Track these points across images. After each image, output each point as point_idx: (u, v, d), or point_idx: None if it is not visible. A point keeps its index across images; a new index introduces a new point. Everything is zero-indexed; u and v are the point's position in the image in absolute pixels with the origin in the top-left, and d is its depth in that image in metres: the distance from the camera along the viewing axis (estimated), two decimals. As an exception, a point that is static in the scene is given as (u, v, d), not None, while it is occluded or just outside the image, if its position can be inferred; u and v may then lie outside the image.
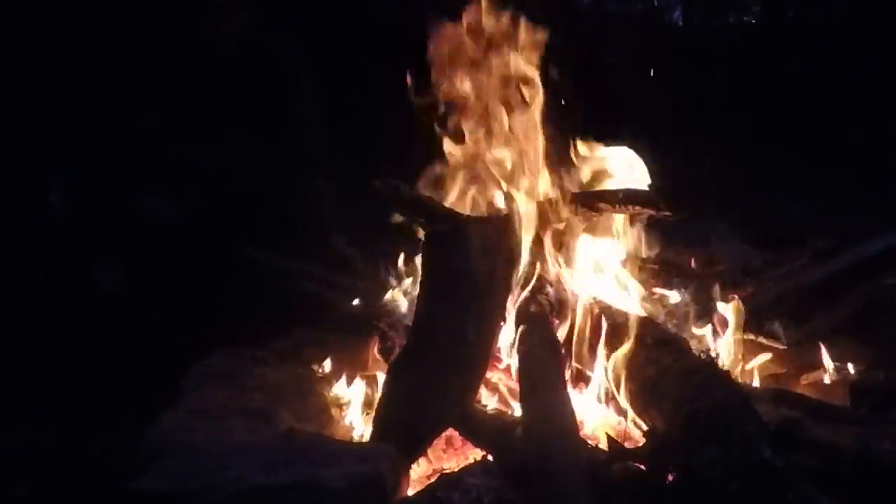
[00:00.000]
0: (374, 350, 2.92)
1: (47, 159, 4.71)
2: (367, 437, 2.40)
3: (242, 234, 3.78)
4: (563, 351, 2.55)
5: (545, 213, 2.85)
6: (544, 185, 2.92)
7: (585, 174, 3.03)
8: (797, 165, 6.16)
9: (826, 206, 5.06)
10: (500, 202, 2.91)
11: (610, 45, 7.56)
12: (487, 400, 2.61)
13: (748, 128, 7.16)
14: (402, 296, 3.05)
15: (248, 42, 4.09)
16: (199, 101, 4.01)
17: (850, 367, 2.90)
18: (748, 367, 2.89)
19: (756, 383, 2.81)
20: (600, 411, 2.54)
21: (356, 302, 3.19)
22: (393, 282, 3.14)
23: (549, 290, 2.72)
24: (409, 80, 2.86)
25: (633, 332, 2.44)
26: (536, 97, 2.93)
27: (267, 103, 4.03)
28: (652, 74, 7.52)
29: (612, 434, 2.33)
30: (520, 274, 2.68)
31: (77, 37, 5.13)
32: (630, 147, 3.07)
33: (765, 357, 2.95)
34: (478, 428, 2.37)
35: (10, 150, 4.78)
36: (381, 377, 2.64)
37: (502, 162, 2.92)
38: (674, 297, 2.96)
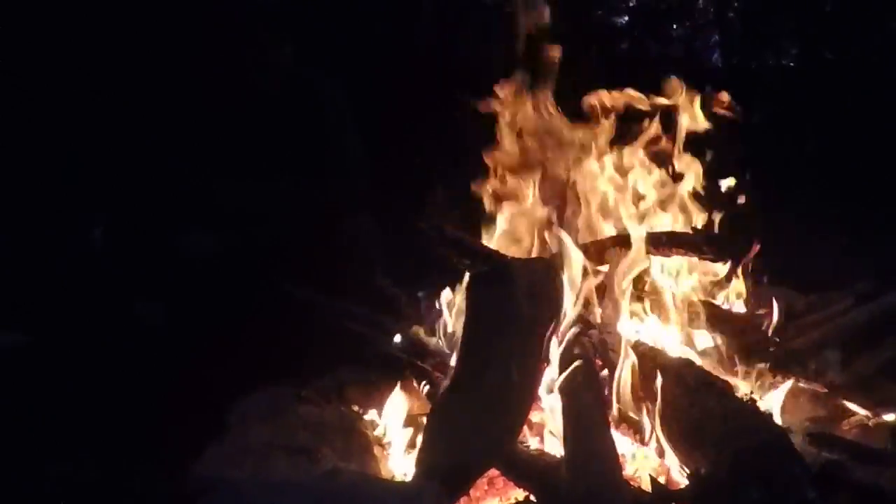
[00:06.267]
0: (418, 390, 2.94)
1: (88, 196, 4.76)
2: (410, 477, 2.40)
3: (285, 271, 3.80)
4: (605, 392, 2.56)
5: (590, 255, 2.87)
6: (592, 226, 2.95)
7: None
8: (839, 207, 6.13)
9: (868, 248, 5.03)
10: (546, 244, 2.94)
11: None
12: (530, 440, 2.61)
13: (788, 170, 7.13)
14: (445, 336, 3.06)
15: (290, 77, 4.12)
16: (241, 137, 4.04)
17: (893, 411, 2.88)
18: (791, 409, 2.88)
19: (799, 426, 2.80)
20: (643, 452, 2.54)
21: (400, 341, 3.20)
22: (437, 322, 3.15)
23: (593, 331, 2.73)
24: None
25: (676, 373, 2.44)
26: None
27: (309, 139, 4.05)
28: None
29: (655, 475, 2.34)
30: (563, 315, 2.68)
31: (120, 76, 5.19)
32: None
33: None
34: (520, 468, 2.37)
35: (51, 187, 4.84)
36: (425, 417, 2.65)
37: (551, 203, 2.95)
38: (716, 339, 2.96)
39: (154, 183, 4.08)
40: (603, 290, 2.90)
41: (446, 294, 3.17)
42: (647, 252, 2.91)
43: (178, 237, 3.93)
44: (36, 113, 5.07)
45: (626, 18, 9.07)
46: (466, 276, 2.80)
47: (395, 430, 2.80)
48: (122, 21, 5.33)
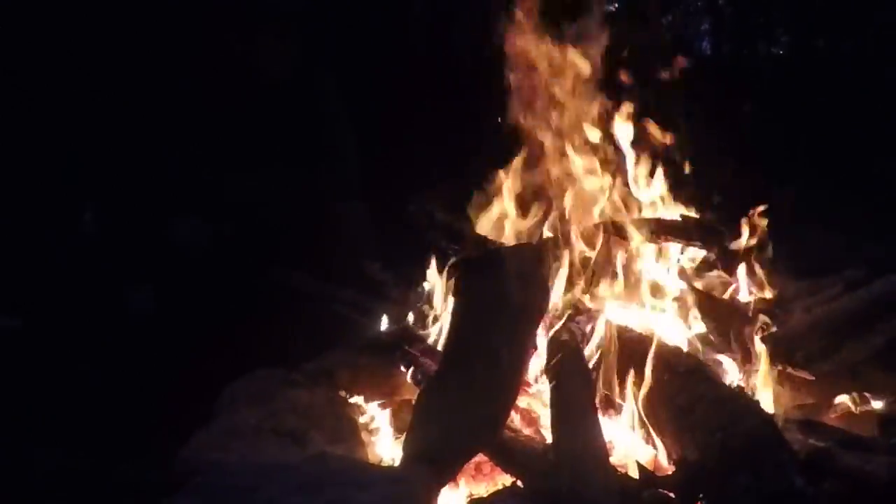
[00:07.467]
0: (406, 374, 2.93)
1: (82, 182, 4.75)
2: (398, 461, 2.40)
3: (275, 257, 3.80)
4: (593, 378, 2.56)
5: (580, 241, 2.87)
6: (581, 213, 2.94)
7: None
8: (829, 195, 6.14)
9: (858, 236, 5.04)
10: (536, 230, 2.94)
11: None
12: (518, 426, 2.61)
13: (779, 158, 7.13)
14: (434, 320, 3.06)
15: (285, 70, 4.13)
16: (234, 127, 4.05)
17: (880, 399, 2.89)
18: (779, 396, 2.89)
19: (786, 413, 2.80)
20: (630, 438, 2.54)
21: (388, 326, 3.20)
22: (425, 306, 3.14)
23: (582, 317, 2.73)
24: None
25: (665, 360, 2.44)
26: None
27: (301, 129, 4.06)
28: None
29: (642, 461, 2.34)
30: (552, 301, 2.68)
31: (117, 64, 5.17)
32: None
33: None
34: (508, 453, 2.37)
35: (45, 172, 4.82)
36: (413, 401, 2.65)
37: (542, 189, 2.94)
38: (705, 325, 2.95)
39: (148, 172, 4.09)
40: (592, 276, 2.90)
41: (433, 278, 3.16)
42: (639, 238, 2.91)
43: (171, 225, 3.94)
44: (32, 101, 5.05)
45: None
46: (454, 260, 2.80)
47: (382, 415, 2.80)
48: (119, 13, 5.31)
